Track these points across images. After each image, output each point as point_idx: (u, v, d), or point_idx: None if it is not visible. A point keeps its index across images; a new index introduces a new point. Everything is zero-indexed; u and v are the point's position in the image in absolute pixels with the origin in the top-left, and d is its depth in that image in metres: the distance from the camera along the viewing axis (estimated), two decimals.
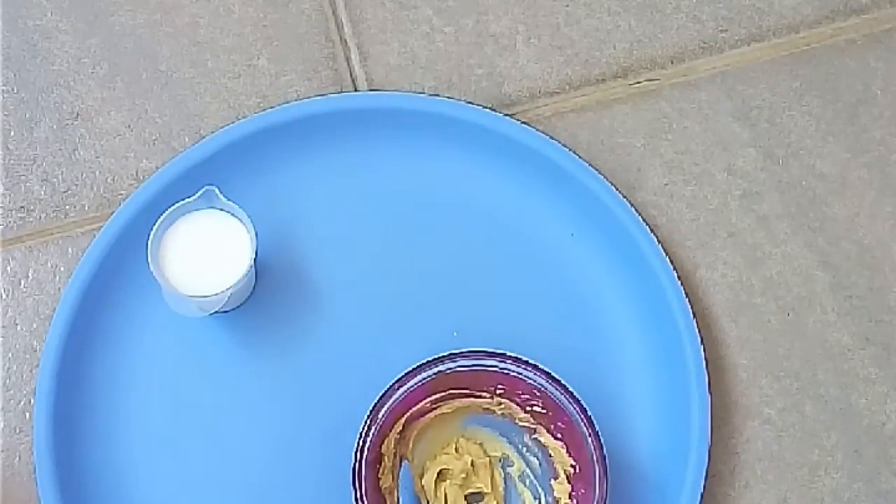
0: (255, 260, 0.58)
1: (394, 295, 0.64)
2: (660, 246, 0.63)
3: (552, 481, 0.59)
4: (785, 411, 0.64)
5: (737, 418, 0.63)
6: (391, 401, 0.56)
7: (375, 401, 0.56)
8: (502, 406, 0.60)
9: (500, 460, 0.61)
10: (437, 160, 0.66)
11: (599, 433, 0.56)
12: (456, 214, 0.65)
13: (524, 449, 0.61)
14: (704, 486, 0.60)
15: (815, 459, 0.63)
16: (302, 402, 0.62)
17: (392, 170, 0.65)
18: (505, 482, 0.61)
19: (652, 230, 0.63)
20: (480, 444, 0.61)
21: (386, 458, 0.58)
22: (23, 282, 0.64)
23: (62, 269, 0.64)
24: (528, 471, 0.61)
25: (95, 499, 0.60)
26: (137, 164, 0.66)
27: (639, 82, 0.68)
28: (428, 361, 0.57)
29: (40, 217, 0.65)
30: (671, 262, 0.63)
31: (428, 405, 0.59)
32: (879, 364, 0.64)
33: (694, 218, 0.66)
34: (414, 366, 0.57)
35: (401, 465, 0.60)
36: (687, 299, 0.62)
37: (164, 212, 0.58)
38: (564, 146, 0.64)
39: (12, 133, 0.66)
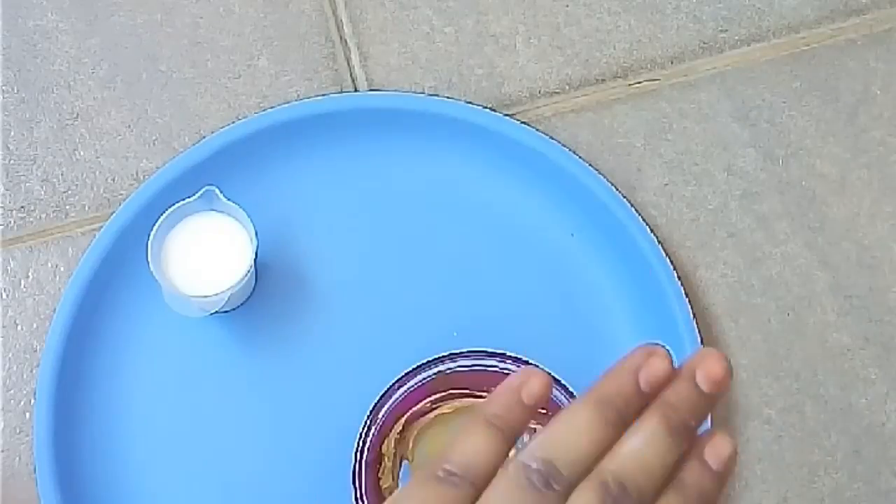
0: (255, 260, 0.58)
1: (394, 295, 0.64)
2: (660, 246, 0.63)
3: None
4: (785, 411, 0.64)
5: (737, 418, 0.63)
6: (391, 401, 0.56)
7: (375, 401, 0.56)
8: None
9: None
10: (437, 160, 0.66)
11: None
12: (456, 214, 0.65)
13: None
14: None
15: (815, 459, 0.63)
16: (302, 402, 0.62)
17: (392, 170, 0.65)
18: None
19: (652, 230, 0.63)
20: None
21: (386, 458, 0.58)
22: (23, 282, 0.64)
23: (62, 269, 0.64)
24: None
25: (95, 499, 0.60)
26: (137, 164, 0.66)
27: (639, 82, 0.68)
28: (428, 361, 0.57)
29: (40, 217, 0.65)
30: (671, 262, 0.63)
31: (428, 405, 0.59)
32: (879, 364, 0.64)
33: (694, 218, 0.66)
34: (414, 366, 0.57)
35: (401, 465, 0.60)
36: (687, 299, 0.62)
37: (164, 212, 0.58)
38: (564, 146, 0.64)
39: (12, 133, 0.66)
